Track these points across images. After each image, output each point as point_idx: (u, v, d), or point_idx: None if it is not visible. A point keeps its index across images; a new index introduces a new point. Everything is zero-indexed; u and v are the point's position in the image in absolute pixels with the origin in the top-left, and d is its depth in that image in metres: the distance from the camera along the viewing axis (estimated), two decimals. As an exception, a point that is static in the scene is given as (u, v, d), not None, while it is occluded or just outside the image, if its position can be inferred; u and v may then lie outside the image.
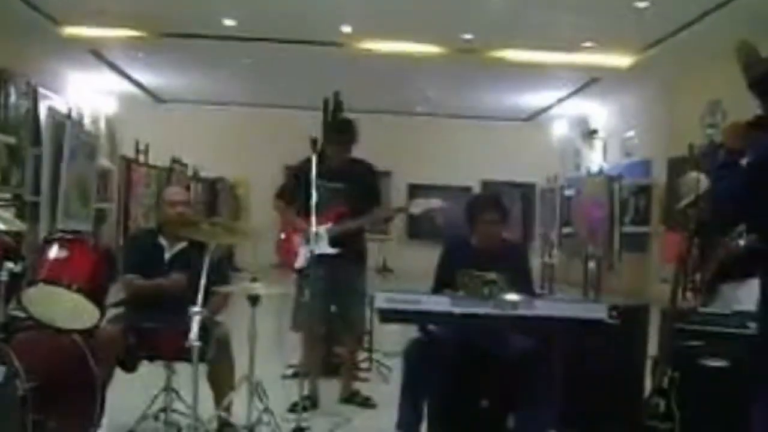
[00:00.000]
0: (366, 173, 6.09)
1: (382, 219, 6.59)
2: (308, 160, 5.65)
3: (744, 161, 3.03)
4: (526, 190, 17.03)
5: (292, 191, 6.03)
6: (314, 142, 5.25)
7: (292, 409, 5.55)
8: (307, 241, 5.69)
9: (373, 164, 6.18)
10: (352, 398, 6.04)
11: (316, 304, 5.73)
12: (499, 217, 5.13)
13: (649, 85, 13.67)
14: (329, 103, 7.73)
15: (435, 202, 5.93)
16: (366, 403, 6.02)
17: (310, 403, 5.78)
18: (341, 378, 6.18)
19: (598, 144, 16.31)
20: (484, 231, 5.08)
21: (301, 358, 6.14)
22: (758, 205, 2.91)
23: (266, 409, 4.63)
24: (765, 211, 2.91)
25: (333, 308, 6.01)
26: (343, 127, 6.08)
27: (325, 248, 5.76)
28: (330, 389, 6.09)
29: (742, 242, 5.22)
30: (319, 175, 5.74)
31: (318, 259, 5.70)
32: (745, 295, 5.37)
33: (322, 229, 5.75)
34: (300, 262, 5.84)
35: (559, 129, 17.80)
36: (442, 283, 4.95)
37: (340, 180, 5.89)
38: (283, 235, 6.09)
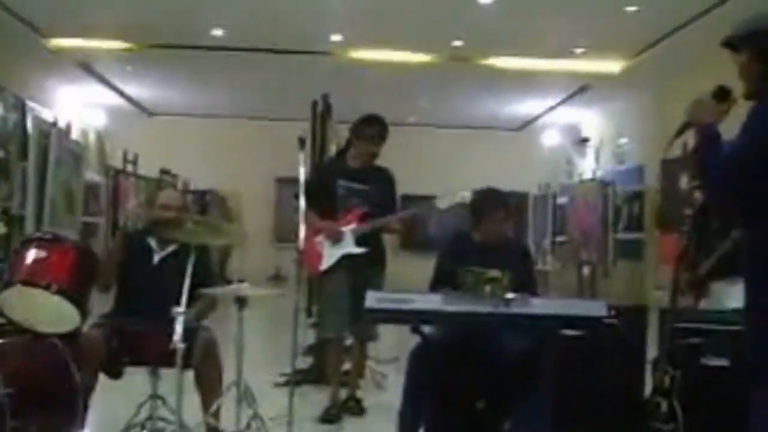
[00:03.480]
0: (387, 178, 5.95)
1: (409, 217, 6.38)
2: (330, 161, 5.55)
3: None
4: (518, 199, 16.92)
5: (313, 192, 5.82)
6: (302, 141, 5.09)
7: (323, 418, 5.59)
8: (333, 242, 5.64)
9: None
10: (348, 403, 5.89)
11: (342, 307, 5.67)
12: (505, 214, 5.02)
13: (640, 90, 13.60)
14: (318, 106, 7.63)
15: (462, 195, 5.76)
16: (356, 409, 5.89)
17: (337, 411, 5.73)
18: (328, 385, 5.98)
19: (590, 152, 16.24)
20: (489, 227, 4.96)
21: (327, 365, 6.08)
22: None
23: (255, 415, 4.48)
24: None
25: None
26: (375, 122, 5.86)
27: (351, 248, 5.67)
28: (321, 396, 5.95)
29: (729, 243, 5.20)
30: (341, 175, 5.76)
31: (341, 261, 5.66)
32: (738, 293, 5.34)
33: (347, 229, 5.69)
34: (327, 262, 5.73)
35: (551, 137, 17.71)
36: (442, 280, 4.83)
37: (363, 182, 5.79)
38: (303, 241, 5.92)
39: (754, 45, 2.89)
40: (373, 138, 5.79)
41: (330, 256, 5.72)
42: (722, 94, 2.97)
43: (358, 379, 6.12)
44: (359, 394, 6.08)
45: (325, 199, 5.72)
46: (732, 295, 5.18)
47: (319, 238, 5.75)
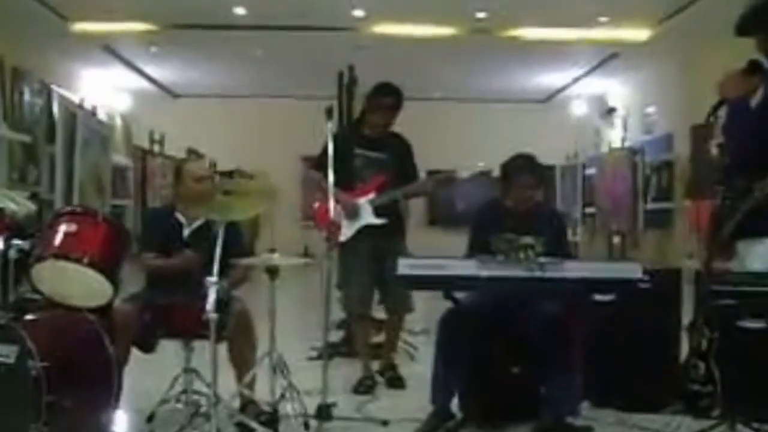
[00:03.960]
0: (404, 146, 5.86)
1: (430, 187, 6.26)
2: (347, 129, 5.46)
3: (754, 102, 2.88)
4: (546, 172, 16.81)
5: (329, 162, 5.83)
6: (329, 111, 5.03)
7: (357, 390, 5.57)
8: (351, 213, 5.58)
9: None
10: (387, 373, 5.83)
11: (364, 279, 5.64)
12: (535, 181, 4.96)
13: (666, 58, 13.43)
14: (344, 77, 7.58)
15: (481, 165, 5.71)
16: (396, 383, 5.81)
17: (372, 381, 5.69)
18: (360, 358, 5.95)
19: (617, 122, 16.09)
20: (520, 194, 4.90)
21: (355, 339, 6.06)
22: None
23: (290, 385, 4.47)
24: None
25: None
26: (389, 91, 5.75)
27: (370, 219, 5.61)
28: (353, 369, 5.94)
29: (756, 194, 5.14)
30: (358, 144, 5.67)
31: (360, 232, 5.59)
32: (760, 253, 5.30)
33: (365, 200, 5.62)
34: (346, 234, 5.63)
35: (578, 109, 17.57)
36: (476, 248, 4.79)
37: (380, 150, 5.70)
38: (317, 204, 5.80)
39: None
40: (388, 107, 5.69)
41: (348, 227, 5.62)
42: (753, 68, 2.93)
43: (392, 354, 6.02)
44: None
45: (342, 169, 5.53)
46: (755, 255, 5.18)
47: (338, 209, 5.55)
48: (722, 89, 2.95)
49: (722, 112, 3.06)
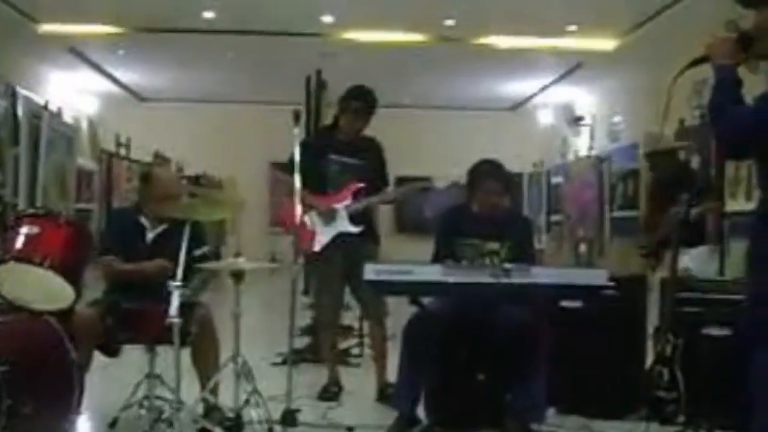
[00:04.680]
0: (378, 150, 5.75)
1: (406, 194, 6.12)
2: (321, 133, 5.36)
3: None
4: (513, 179, 16.88)
5: (303, 168, 5.74)
6: (296, 116, 4.99)
7: (322, 396, 5.52)
8: (326, 220, 5.49)
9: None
10: (385, 392, 5.48)
11: (335, 288, 5.56)
12: (501, 186, 4.94)
13: (633, 68, 13.49)
14: (312, 82, 7.55)
15: (456, 173, 5.64)
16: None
17: (337, 388, 5.65)
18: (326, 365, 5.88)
19: (584, 130, 16.17)
20: (486, 200, 4.89)
21: (322, 346, 5.98)
22: None
23: (254, 391, 4.43)
24: None
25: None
26: (360, 94, 5.64)
27: (346, 226, 5.51)
28: (318, 375, 5.91)
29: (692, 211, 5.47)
30: (332, 149, 5.57)
31: (334, 239, 5.50)
32: (691, 261, 5.46)
33: (341, 206, 5.52)
34: (321, 241, 5.54)
35: (545, 117, 17.63)
36: (442, 253, 4.78)
37: (354, 155, 5.59)
38: (290, 219, 5.75)
39: None
40: (360, 111, 5.58)
41: (323, 234, 5.53)
42: (745, 42, 2.85)
43: (384, 361, 5.63)
44: (356, 373, 6.03)
45: (316, 175, 5.51)
46: (684, 264, 5.49)
47: (312, 216, 5.55)
48: (710, 49, 2.86)
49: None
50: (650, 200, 6.23)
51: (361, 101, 5.60)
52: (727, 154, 2.90)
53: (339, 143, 5.62)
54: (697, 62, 2.96)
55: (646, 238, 6.13)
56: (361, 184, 5.57)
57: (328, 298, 5.67)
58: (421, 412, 4.68)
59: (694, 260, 5.74)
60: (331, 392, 5.60)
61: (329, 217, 5.52)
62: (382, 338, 5.65)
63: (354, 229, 5.50)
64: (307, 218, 5.53)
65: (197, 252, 4.51)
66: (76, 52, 13.35)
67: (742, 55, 2.83)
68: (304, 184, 5.36)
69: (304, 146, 5.63)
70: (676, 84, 3.09)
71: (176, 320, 3.98)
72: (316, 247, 5.56)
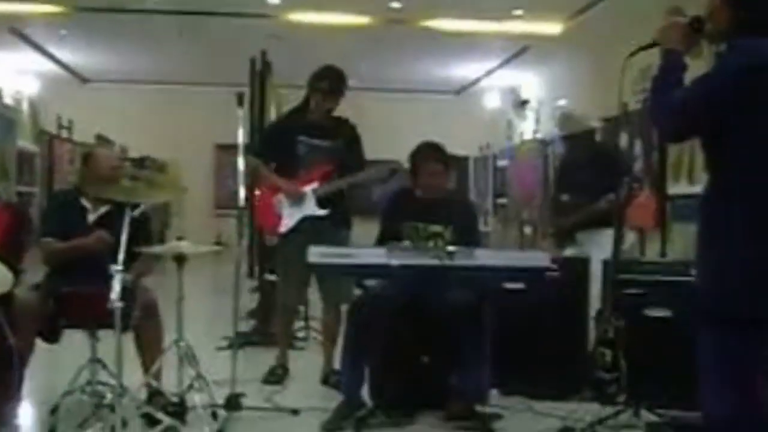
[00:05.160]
0: (351, 133, 5.62)
1: (377, 178, 5.80)
2: (290, 115, 5.30)
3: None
4: (459, 163, 16.93)
5: (270, 147, 5.63)
6: (240, 98, 4.94)
7: (267, 379, 5.47)
8: (293, 203, 5.41)
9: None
10: (330, 376, 5.48)
11: (300, 271, 5.37)
12: (442, 167, 4.94)
13: (579, 52, 13.60)
14: (256, 64, 7.49)
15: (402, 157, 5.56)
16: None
17: (283, 371, 5.61)
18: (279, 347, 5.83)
19: (529, 114, 16.27)
20: (428, 182, 4.89)
21: (280, 328, 5.92)
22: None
23: (198, 375, 4.40)
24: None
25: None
26: (326, 74, 5.52)
27: (313, 209, 5.42)
28: (264, 358, 5.90)
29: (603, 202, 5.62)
30: (302, 131, 5.46)
31: (301, 223, 5.42)
32: (602, 242, 5.61)
33: (308, 189, 5.42)
34: (286, 224, 5.46)
35: (491, 100, 17.71)
36: (386, 237, 4.79)
37: (325, 137, 5.48)
38: (258, 201, 5.68)
39: None
40: (329, 92, 5.47)
41: (289, 217, 5.45)
42: (698, 26, 2.90)
43: (333, 346, 5.51)
44: (302, 356, 6.02)
45: (285, 157, 5.46)
46: (594, 244, 5.66)
47: (279, 198, 5.49)
48: (660, 35, 2.91)
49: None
50: (561, 182, 6.25)
51: (330, 81, 5.48)
52: (662, 138, 2.94)
53: (309, 125, 5.50)
54: (647, 47, 3.01)
55: (555, 220, 6.14)
56: (330, 167, 5.47)
57: (291, 281, 5.61)
58: (365, 394, 4.69)
59: (592, 242, 5.83)
60: (277, 375, 5.58)
61: (296, 200, 5.43)
62: (336, 323, 5.51)
63: (320, 213, 5.42)
64: (274, 200, 5.50)
65: (140, 236, 4.44)
66: (17, 32, 13.09)
67: (694, 38, 2.88)
68: (275, 165, 5.34)
69: (273, 128, 5.59)
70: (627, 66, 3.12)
71: (118, 304, 3.92)
72: (282, 230, 5.50)
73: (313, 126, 5.49)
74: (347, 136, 5.59)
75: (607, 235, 5.78)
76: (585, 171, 5.87)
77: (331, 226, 5.42)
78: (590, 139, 6.10)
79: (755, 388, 2.79)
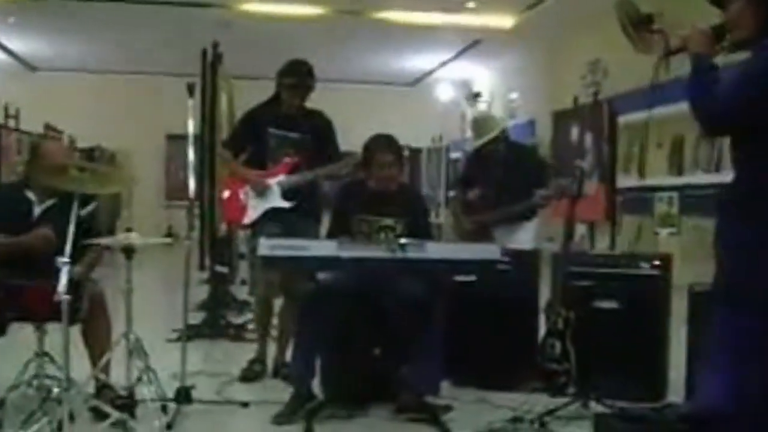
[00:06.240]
0: (323, 124, 5.55)
1: (344, 171, 5.67)
2: (261, 107, 5.28)
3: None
4: (412, 155, 16.97)
5: (241, 140, 5.57)
6: (190, 88, 4.90)
7: (245, 375, 5.41)
8: (258, 194, 5.37)
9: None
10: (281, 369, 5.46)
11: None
12: (394, 159, 4.92)
13: (531, 45, 13.71)
14: (207, 55, 7.43)
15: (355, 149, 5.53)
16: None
17: (261, 366, 5.54)
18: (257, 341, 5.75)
19: (482, 107, 16.34)
20: (380, 174, 4.87)
21: (256, 321, 5.84)
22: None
23: (147, 368, 4.36)
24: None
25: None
26: (297, 70, 5.42)
27: (277, 201, 5.37)
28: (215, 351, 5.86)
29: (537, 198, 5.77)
30: (273, 123, 5.41)
31: (269, 215, 5.36)
32: (520, 237, 5.86)
33: (273, 181, 5.37)
34: (250, 216, 5.41)
35: (444, 93, 17.77)
36: (338, 229, 4.77)
37: (296, 129, 5.41)
38: (227, 193, 5.59)
39: None
40: (295, 87, 5.38)
41: (254, 209, 5.40)
42: (721, 33, 2.95)
43: (287, 338, 5.44)
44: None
45: (255, 149, 5.41)
46: (512, 239, 5.78)
47: (245, 190, 5.44)
48: (691, 40, 2.95)
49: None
50: (473, 181, 6.27)
51: (296, 77, 5.40)
52: (711, 132, 2.96)
53: (280, 117, 5.43)
54: (675, 52, 3.05)
55: (470, 216, 6.15)
56: (298, 159, 5.41)
57: (259, 273, 5.56)
58: (316, 387, 4.68)
59: (510, 238, 5.91)
60: (254, 370, 5.49)
61: (261, 191, 5.38)
62: (293, 316, 5.42)
63: (285, 205, 5.37)
64: (241, 192, 5.46)
65: (88, 228, 4.38)
66: (-37, 20, 12.88)
67: (716, 45, 2.93)
68: (246, 158, 5.29)
69: (244, 120, 5.54)
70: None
71: (65, 297, 3.87)
72: (246, 221, 5.48)
73: (284, 118, 5.43)
74: (319, 127, 5.53)
75: (525, 230, 5.91)
76: (500, 169, 5.94)
77: (299, 219, 5.37)
78: (505, 139, 6.14)
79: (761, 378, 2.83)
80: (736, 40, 2.94)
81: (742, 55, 2.92)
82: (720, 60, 2.94)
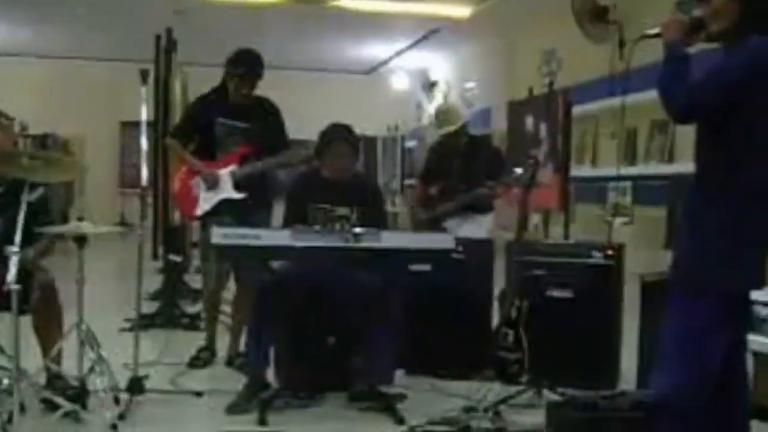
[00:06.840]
0: (271, 112, 5.50)
1: (295, 161, 5.63)
2: (209, 97, 5.23)
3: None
4: (368, 143, 16.95)
5: (189, 129, 5.52)
6: (144, 75, 4.85)
7: (192, 363, 5.42)
8: (209, 185, 5.32)
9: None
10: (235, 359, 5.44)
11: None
12: (350, 149, 4.91)
13: (487, 35, 13.75)
14: (161, 41, 7.36)
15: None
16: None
17: (209, 355, 5.54)
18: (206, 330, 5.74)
19: (438, 96, 16.38)
20: (335, 163, 4.87)
21: (206, 312, 5.80)
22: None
23: (99, 358, 4.32)
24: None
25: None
26: (245, 59, 5.37)
27: (229, 192, 5.32)
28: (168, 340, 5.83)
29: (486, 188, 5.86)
30: (221, 112, 5.35)
31: (221, 206, 5.32)
32: (472, 228, 5.96)
33: (225, 172, 5.33)
34: (203, 208, 5.36)
35: (400, 81, 17.76)
36: (293, 218, 4.76)
37: (244, 118, 5.35)
38: (177, 184, 5.52)
39: None
40: (243, 77, 5.32)
41: (206, 200, 5.36)
42: (698, 25, 2.99)
43: (242, 328, 5.35)
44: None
45: (203, 139, 5.36)
46: (464, 230, 5.88)
47: (196, 181, 5.39)
48: (667, 28, 2.98)
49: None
50: (431, 172, 6.33)
51: (245, 67, 5.34)
52: (679, 120, 3.00)
53: (228, 106, 5.38)
54: (650, 36, 3.08)
55: (427, 209, 6.21)
56: (248, 149, 5.37)
57: (210, 264, 5.51)
58: (270, 376, 4.68)
59: (461, 229, 5.97)
60: (202, 359, 5.50)
61: (212, 183, 5.33)
62: (247, 305, 5.37)
63: (237, 196, 5.33)
64: (192, 184, 5.41)
65: (40, 216, 4.32)
66: None
67: (694, 37, 2.97)
68: (194, 148, 5.25)
69: (192, 109, 5.48)
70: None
71: (15, 286, 3.82)
72: (198, 213, 5.42)
73: (232, 107, 5.38)
74: (267, 115, 5.49)
75: (476, 222, 5.97)
76: (457, 161, 6.01)
77: (252, 209, 5.34)
78: (465, 133, 6.19)
79: (714, 362, 2.90)
80: (714, 31, 2.99)
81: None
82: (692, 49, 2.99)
